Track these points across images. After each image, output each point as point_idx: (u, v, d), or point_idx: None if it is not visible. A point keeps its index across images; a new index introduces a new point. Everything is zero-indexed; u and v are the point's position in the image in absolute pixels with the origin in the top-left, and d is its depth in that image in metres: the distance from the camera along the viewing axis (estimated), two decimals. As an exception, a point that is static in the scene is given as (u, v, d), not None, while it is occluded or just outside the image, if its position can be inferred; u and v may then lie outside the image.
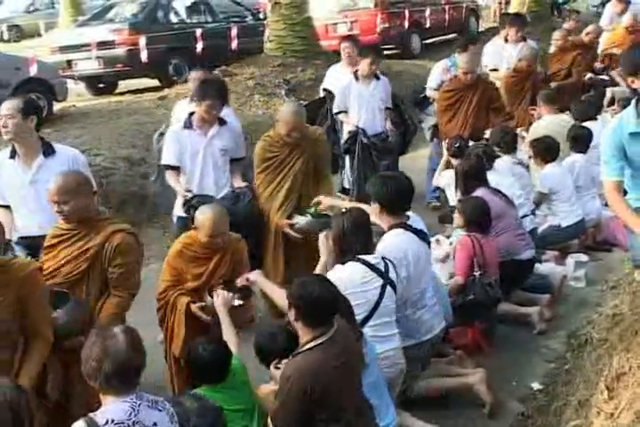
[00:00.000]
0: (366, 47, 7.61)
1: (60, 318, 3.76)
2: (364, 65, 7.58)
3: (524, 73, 8.60)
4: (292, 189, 5.55)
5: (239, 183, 5.67)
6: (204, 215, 4.33)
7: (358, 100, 7.63)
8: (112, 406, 2.77)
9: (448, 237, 6.27)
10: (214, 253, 4.41)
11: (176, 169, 5.58)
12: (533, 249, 5.93)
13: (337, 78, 8.16)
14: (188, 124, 5.54)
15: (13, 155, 4.66)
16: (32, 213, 4.63)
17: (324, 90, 8.43)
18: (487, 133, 7.22)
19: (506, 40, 9.45)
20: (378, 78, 7.71)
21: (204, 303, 4.32)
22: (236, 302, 4.30)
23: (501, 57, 9.18)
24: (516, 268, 5.66)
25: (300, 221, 5.44)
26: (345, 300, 3.85)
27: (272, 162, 5.57)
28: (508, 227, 5.76)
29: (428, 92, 8.51)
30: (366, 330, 4.02)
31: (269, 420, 3.46)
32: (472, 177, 5.93)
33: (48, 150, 4.66)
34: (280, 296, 3.96)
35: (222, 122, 5.60)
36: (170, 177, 5.61)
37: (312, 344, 3.40)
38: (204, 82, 5.70)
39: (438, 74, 8.45)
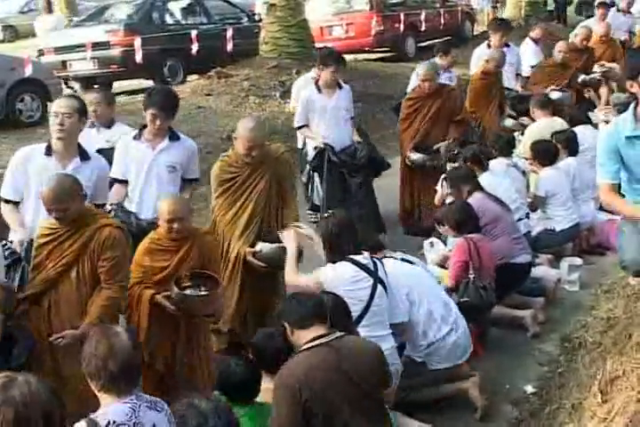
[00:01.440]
0: (327, 54, 7.17)
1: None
2: (326, 74, 6.97)
3: (492, 75, 8.47)
4: (254, 213, 5.10)
5: None
6: (160, 202, 4.45)
7: (322, 114, 7.06)
8: (113, 408, 2.75)
9: (445, 238, 6.28)
10: (181, 246, 4.38)
11: (124, 182, 5.21)
12: (530, 254, 5.94)
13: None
14: (137, 136, 5.21)
15: (49, 152, 4.60)
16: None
17: None
18: (440, 146, 7.12)
19: (488, 46, 9.46)
20: (340, 87, 7.14)
21: (168, 293, 4.26)
22: (203, 293, 4.29)
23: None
24: (511, 271, 5.66)
25: (264, 248, 5.00)
26: (342, 303, 3.87)
27: (231, 184, 5.11)
28: (503, 231, 5.76)
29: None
30: (360, 330, 4.04)
31: None
32: (464, 181, 5.95)
33: (84, 155, 4.65)
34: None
35: (174, 137, 5.21)
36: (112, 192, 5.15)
37: (306, 346, 3.42)
38: (152, 90, 5.37)
39: (416, 81, 8.10)
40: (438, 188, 6.68)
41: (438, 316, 4.59)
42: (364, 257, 4.25)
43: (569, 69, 9.54)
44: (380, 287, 4.21)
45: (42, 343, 4.05)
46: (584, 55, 9.84)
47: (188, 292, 4.27)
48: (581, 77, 9.72)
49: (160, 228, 4.40)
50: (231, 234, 5.09)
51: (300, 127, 7.26)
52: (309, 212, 7.40)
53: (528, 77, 9.80)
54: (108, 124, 5.91)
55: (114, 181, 5.17)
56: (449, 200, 6.15)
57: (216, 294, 4.32)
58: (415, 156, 7.20)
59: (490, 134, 7.22)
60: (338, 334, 3.48)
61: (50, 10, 12.87)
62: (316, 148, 7.07)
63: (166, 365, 4.39)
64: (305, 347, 3.42)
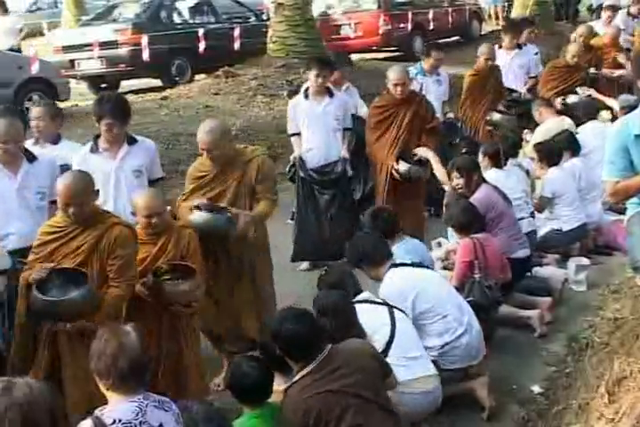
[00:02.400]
0: (317, 58, 6.98)
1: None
2: (310, 79, 6.71)
3: (486, 71, 8.38)
4: None
5: None
6: (137, 198, 4.45)
7: (308, 121, 6.76)
8: (119, 406, 2.76)
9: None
10: (158, 238, 4.39)
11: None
12: (528, 248, 5.94)
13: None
14: (94, 148, 4.98)
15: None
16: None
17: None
18: (414, 155, 6.57)
19: (499, 47, 9.35)
20: (331, 95, 6.79)
21: (144, 279, 4.25)
22: (182, 287, 4.27)
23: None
24: (512, 266, 5.64)
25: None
26: (346, 303, 3.90)
27: (199, 184, 5.06)
28: (505, 227, 5.77)
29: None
30: (389, 359, 4.02)
31: None
32: (475, 170, 5.99)
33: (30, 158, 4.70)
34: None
35: (132, 140, 5.03)
36: None
37: (298, 377, 3.47)
38: (101, 99, 5.12)
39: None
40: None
41: (452, 318, 4.59)
42: (362, 296, 4.39)
43: (580, 71, 9.20)
44: (397, 311, 4.28)
45: (44, 342, 4.07)
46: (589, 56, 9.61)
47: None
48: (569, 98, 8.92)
49: (138, 223, 4.41)
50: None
51: (291, 135, 7.02)
52: (289, 221, 7.31)
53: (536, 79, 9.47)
54: (54, 140, 5.53)
55: None
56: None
57: (193, 284, 4.28)
58: (403, 167, 6.49)
59: (482, 135, 7.16)
60: (325, 351, 3.48)
61: (5, 9, 12.42)
62: (291, 159, 7.02)
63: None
64: (296, 379, 3.47)
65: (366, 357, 3.62)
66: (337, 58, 10.44)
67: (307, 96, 6.79)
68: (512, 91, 9.01)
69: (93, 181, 4.18)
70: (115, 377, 2.77)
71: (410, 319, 4.38)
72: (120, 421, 2.70)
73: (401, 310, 4.34)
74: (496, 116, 8.29)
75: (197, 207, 4.81)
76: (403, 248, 5.16)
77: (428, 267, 5.03)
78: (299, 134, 6.87)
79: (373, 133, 6.75)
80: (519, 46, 9.36)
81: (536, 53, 9.72)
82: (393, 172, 6.53)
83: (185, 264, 4.36)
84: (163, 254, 4.38)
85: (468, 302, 5.12)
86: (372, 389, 3.53)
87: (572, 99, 8.67)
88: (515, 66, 9.25)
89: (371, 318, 4.16)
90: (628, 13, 12.50)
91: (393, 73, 6.63)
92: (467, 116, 8.53)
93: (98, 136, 4.97)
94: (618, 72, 9.72)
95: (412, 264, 4.84)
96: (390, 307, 4.28)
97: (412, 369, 4.14)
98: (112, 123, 4.83)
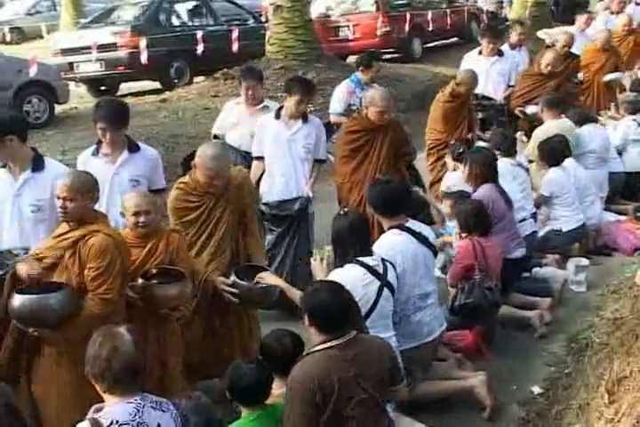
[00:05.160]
0: (296, 80, 6.29)
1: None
2: (290, 103, 5.92)
3: (463, 98, 7.43)
4: (219, 249, 4.64)
5: None
6: (124, 197, 4.34)
7: (274, 146, 5.97)
8: (116, 407, 2.78)
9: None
10: (147, 241, 4.28)
11: None
12: (524, 248, 5.93)
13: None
14: (95, 152, 4.91)
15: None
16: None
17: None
18: None
19: (480, 53, 8.76)
20: (306, 120, 6.00)
21: (134, 283, 4.17)
22: (171, 291, 4.18)
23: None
24: (506, 267, 5.64)
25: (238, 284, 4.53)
26: (356, 304, 3.88)
27: (193, 217, 4.63)
28: (503, 228, 5.75)
29: (334, 118, 7.42)
30: None
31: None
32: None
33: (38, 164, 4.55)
34: (297, 294, 4.14)
35: (134, 148, 4.91)
36: None
37: (320, 347, 3.43)
38: (99, 103, 5.02)
39: (342, 98, 7.45)
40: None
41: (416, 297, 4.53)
42: (372, 259, 4.22)
43: (552, 80, 8.55)
44: (386, 290, 4.19)
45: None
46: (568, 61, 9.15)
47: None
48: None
49: (127, 224, 4.30)
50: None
51: (256, 158, 6.09)
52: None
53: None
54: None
55: None
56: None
57: (182, 287, 4.18)
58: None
59: (493, 136, 7.02)
60: (352, 334, 3.49)
61: None
62: None
63: None
64: (318, 348, 3.43)
65: (385, 355, 3.60)
66: (332, 61, 10.34)
67: (278, 116, 5.98)
68: (488, 99, 8.37)
69: (95, 184, 4.11)
70: (110, 380, 2.79)
71: (393, 300, 4.29)
72: (117, 422, 2.72)
73: (391, 285, 4.24)
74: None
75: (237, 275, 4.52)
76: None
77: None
78: (263, 158, 6.06)
79: (348, 163, 6.00)
80: (499, 53, 8.71)
81: (515, 58, 9.06)
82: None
83: (174, 268, 4.27)
84: (151, 257, 4.26)
85: (469, 303, 5.14)
86: (379, 387, 3.53)
87: (531, 109, 8.30)
88: (494, 73, 8.58)
89: (359, 290, 4.08)
90: (611, 12, 12.47)
91: (380, 98, 5.89)
92: (433, 146, 7.57)
93: (101, 141, 4.92)
94: (611, 76, 9.65)
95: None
96: (382, 282, 4.18)
97: None
98: (105, 127, 4.77)
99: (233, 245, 4.71)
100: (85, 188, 3.98)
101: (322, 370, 3.35)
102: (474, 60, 8.66)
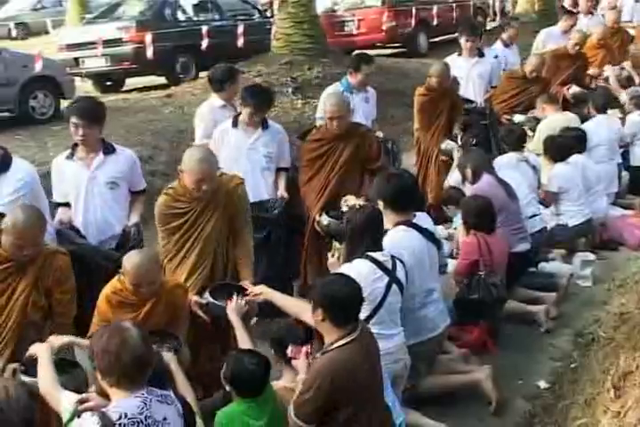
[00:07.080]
0: (249, 90, 5.79)
1: None
2: (244, 113, 5.65)
3: (438, 91, 7.32)
4: (201, 256, 4.43)
5: (134, 219, 4.90)
6: (130, 261, 3.93)
7: (233, 155, 5.63)
8: (124, 402, 2.79)
9: (450, 220, 6.43)
10: (146, 301, 4.00)
11: (68, 205, 4.86)
12: (528, 242, 5.90)
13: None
14: (70, 156, 4.81)
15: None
16: None
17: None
18: (344, 202, 5.34)
19: (459, 54, 8.29)
20: (265, 127, 5.73)
21: None
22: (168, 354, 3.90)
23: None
24: (512, 261, 5.63)
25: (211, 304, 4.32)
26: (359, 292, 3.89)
27: (180, 223, 4.42)
28: (506, 221, 5.69)
29: (319, 123, 6.55)
30: (371, 328, 4.03)
31: (290, 412, 3.47)
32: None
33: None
34: (293, 304, 4.08)
35: (110, 150, 4.80)
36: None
37: (341, 342, 3.44)
38: (76, 100, 4.91)
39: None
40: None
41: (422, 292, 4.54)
42: (382, 254, 4.20)
43: (537, 85, 8.44)
44: (394, 286, 4.16)
45: None
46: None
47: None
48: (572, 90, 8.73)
49: (127, 283, 3.97)
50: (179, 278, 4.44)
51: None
52: None
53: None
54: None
55: (57, 205, 4.88)
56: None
57: (180, 356, 3.94)
58: (326, 220, 5.50)
59: (501, 130, 7.03)
60: (360, 327, 3.51)
61: None
62: None
63: None
64: (340, 344, 3.44)
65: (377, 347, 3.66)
66: (337, 56, 10.26)
67: (235, 124, 5.70)
68: (469, 101, 8.05)
69: (44, 218, 4.00)
70: (118, 373, 2.79)
71: (401, 296, 4.26)
72: (126, 416, 2.72)
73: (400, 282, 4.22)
74: (450, 145, 7.30)
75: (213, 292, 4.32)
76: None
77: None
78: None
79: (306, 173, 5.79)
80: (479, 53, 8.26)
81: (496, 57, 8.69)
82: (315, 224, 5.63)
83: (171, 333, 4.03)
84: (151, 317, 4.00)
85: (474, 298, 5.14)
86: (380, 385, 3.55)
87: (518, 117, 8.21)
88: (474, 76, 8.16)
89: (368, 285, 4.03)
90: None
91: (329, 104, 5.67)
92: (418, 143, 7.68)
93: (76, 144, 4.82)
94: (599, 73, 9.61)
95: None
96: (391, 278, 4.15)
97: (382, 343, 3.98)
98: (77, 123, 4.67)
99: (223, 253, 4.50)
100: (42, 227, 3.89)
101: (340, 365, 3.39)
102: (453, 65, 7.88)
